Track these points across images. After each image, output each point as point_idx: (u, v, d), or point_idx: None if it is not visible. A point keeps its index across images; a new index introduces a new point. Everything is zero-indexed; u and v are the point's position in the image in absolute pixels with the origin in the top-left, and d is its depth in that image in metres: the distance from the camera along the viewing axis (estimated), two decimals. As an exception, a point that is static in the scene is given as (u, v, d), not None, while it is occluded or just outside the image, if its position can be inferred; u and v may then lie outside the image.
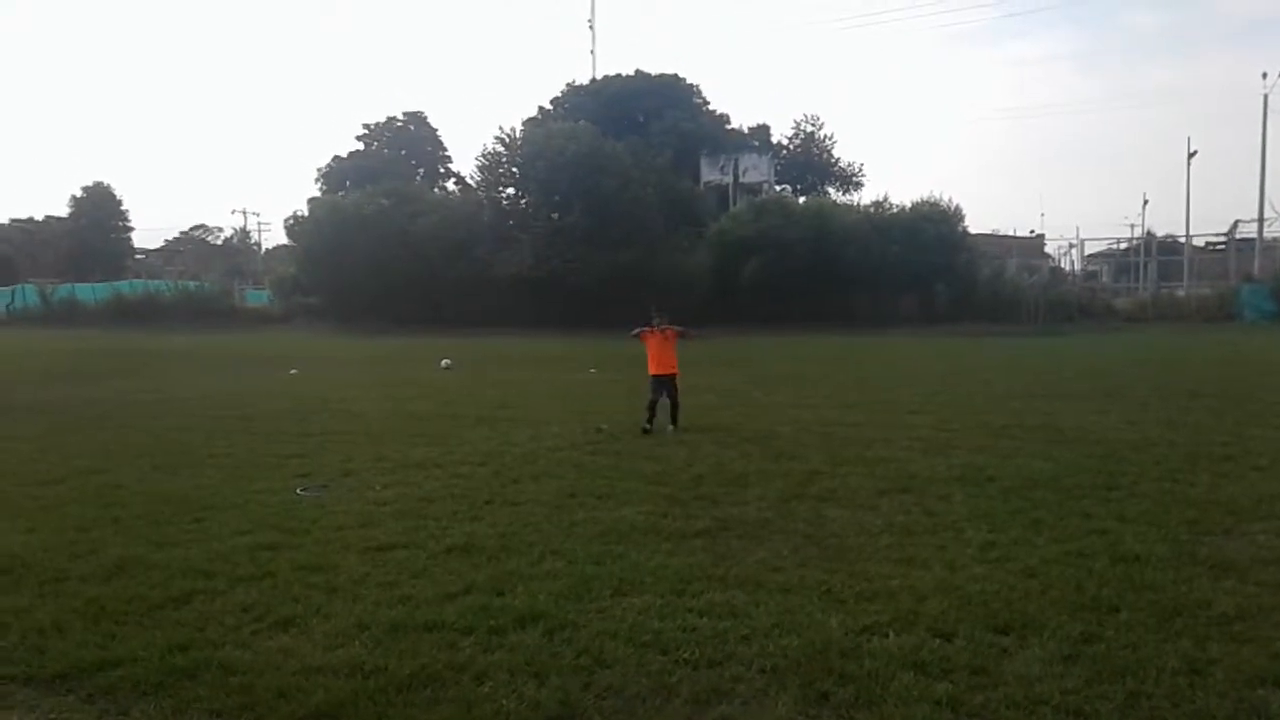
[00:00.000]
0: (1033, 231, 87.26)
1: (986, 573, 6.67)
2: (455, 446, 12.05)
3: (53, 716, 4.69)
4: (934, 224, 47.82)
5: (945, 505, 8.73)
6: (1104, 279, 69.25)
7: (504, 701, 4.72)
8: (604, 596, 6.24)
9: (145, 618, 5.95)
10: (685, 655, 5.26)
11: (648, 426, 13.03)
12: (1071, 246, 71.62)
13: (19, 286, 64.35)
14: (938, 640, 5.43)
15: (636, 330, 14.04)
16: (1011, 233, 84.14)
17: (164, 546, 7.55)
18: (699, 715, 4.64)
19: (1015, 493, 9.19)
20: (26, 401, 18.07)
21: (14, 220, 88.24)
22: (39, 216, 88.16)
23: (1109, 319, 45.88)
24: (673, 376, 13.51)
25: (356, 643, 5.50)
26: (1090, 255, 79.26)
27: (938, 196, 50.19)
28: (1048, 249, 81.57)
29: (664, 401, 13.50)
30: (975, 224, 57.37)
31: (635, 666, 5.14)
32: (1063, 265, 71.70)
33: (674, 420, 13.27)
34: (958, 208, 49.70)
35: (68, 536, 7.90)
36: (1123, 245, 79.19)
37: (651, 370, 13.63)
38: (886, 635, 5.50)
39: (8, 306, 60.67)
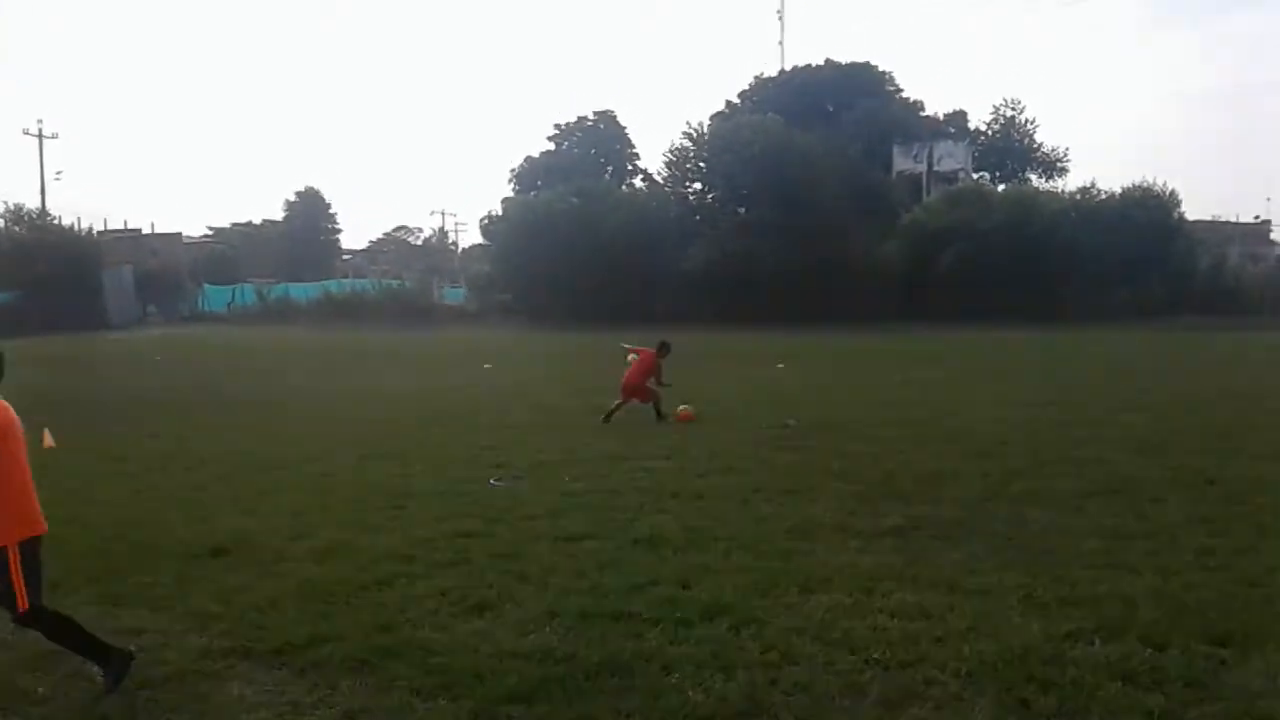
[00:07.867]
0: (1257, 217, 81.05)
1: (1204, 580, 6.26)
2: (642, 441, 12.16)
3: (269, 689, 4.97)
4: (1147, 210, 45.15)
5: (1159, 509, 8.22)
6: (1342, 267, 63.53)
7: (691, 693, 4.72)
8: (791, 593, 6.16)
9: (352, 598, 6.27)
10: (875, 655, 5.12)
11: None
12: (1303, 232, 66.20)
13: (238, 285, 69.19)
14: (1149, 650, 5.10)
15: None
16: (1234, 219, 78.27)
17: (369, 531, 7.96)
18: (890, 717, 4.50)
19: (1238, 497, 8.61)
20: (246, 394, 19.42)
21: (235, 224, 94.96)
22: (257, 220, 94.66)
23: (1347, 310, 42.10)
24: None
25: (548, 629, 5.62)
26: (1326, 241, 73.05)
27: (1151, 181, 47.37)
28: (1275, 236, 75.71)
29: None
30: (1193, 210, 53.78)
31: (823, 664, 5.04)
32: (1292, 252, 66.37)
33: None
34: (1173, 192, 46.91)
35: (283, 520, 8.45)
36: (1364, 229, 72.56)
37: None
38: (1092, 643, 5.21)
39: (228, 304, 65.31)
